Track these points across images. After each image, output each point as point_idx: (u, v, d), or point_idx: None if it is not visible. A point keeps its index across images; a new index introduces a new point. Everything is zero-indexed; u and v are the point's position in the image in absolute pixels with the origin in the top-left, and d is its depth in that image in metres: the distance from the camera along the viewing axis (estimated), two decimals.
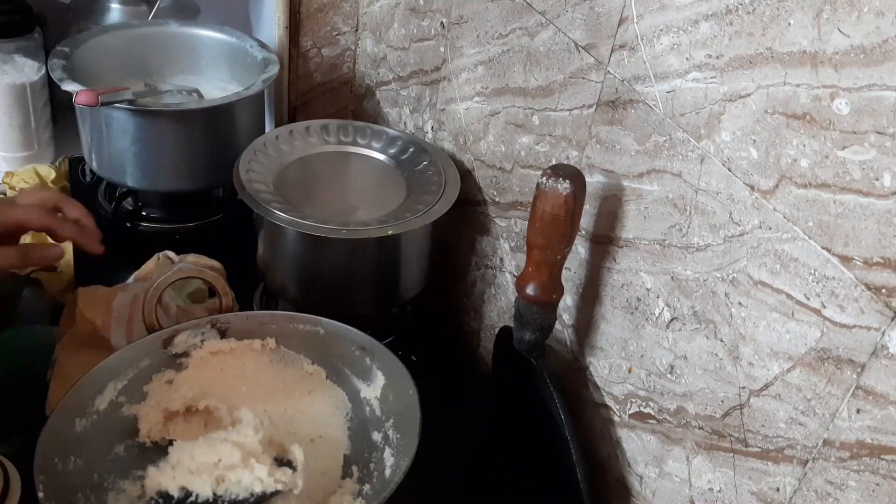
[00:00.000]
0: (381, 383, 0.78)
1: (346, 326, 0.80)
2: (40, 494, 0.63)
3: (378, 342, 0.79)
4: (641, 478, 0.70)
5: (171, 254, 0.96)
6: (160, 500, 0.68)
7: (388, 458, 0.73)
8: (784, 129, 0.52)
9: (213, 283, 0.85)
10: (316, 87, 1.31)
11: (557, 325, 0.79)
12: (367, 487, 0.72)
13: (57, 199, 0.81)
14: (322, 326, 0.81)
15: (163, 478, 0.69)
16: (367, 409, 0.78)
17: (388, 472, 0.72)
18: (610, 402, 0.74)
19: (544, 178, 0.66)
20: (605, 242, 0.72)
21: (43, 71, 1.27)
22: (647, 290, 0.67)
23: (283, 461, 0.71)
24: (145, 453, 0.73)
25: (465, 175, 0.97)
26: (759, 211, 0.54)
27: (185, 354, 0.80)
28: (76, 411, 0.71)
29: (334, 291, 0.93)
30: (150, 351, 0.78)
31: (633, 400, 0.70)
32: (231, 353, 0.81)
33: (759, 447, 0.56)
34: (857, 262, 0.47)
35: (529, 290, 0.70)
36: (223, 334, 0.81)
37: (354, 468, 0.74)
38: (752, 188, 0.55)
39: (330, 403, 0.79)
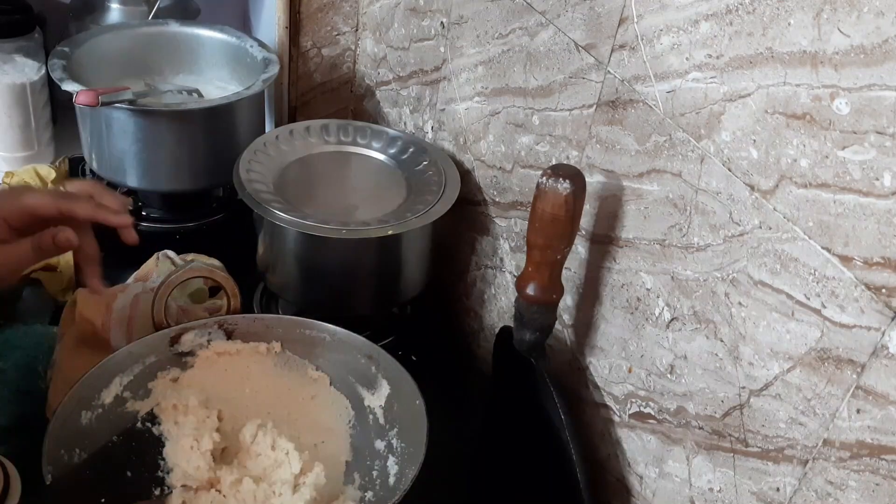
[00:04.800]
0: (385, 392, 0.78)
1: (353, 334, 0.80)
2: (48, 482, 0.63)
3: (384, 351, 0.79)
4: (641, 478, 0.70)
5: (171, 254, 0.96)
6: None
7: (392, 466, 0.73)
8: (784, 129, 0.52)
9: (223, 284, 0.85)
10: (316, 87, 1.31)
11: (557, 325, 0.79)
12: (369, 495, 0.72)
13: (91, 189, 0.77)
14: (328, 333, 0.81)
15: None
16: (371, 417, 0.78)
17: (391, 480, 0.72)
18: (610, 402, 0.74)
19: (544, 178, 0.66)
20: (605, 242, 0.72)
21: (43, 71, 1.27)
22: (647, 290, 0.67)
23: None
24: None
25: (465, 175, 0.97)
26: (759, 211, 0.54)
27: (191, 353, 0.80)
28: (83, 404, 0.72)
29: (334, 291, 0.93)
30: (157, 348, 0.78)
31: (633, 400, 0.70)
32: (237, 355, 0.81)
33: (759, 447, 0.56)
34: (857, 262, 0.47)
35: (529, 290, 0.70)
36: (230, 335, 0.81)
37: (356, 475, 0.74)
38: (752, 188, 0.55)
39: (332, 410, 0.79)
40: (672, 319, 0.64)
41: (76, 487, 0.67)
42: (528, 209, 0.69)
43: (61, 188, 0.76)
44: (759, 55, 0.53)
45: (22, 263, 0.71)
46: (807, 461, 0.52)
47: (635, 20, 0.65)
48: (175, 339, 0.79)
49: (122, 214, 0.77)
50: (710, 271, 0.60)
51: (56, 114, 1.35)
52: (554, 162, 0.79)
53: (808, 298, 0.51)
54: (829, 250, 0.49)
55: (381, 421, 0.78)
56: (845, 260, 0.48)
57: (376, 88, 1.24)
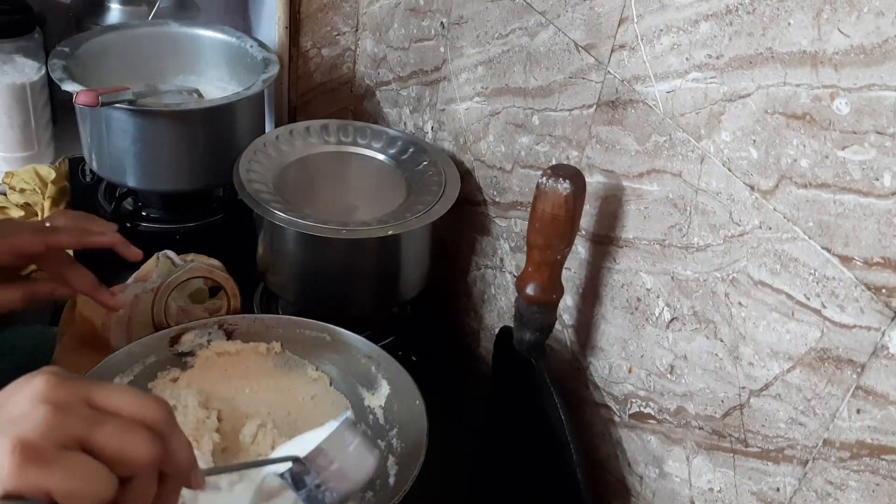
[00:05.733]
0: (385, 392, 0.78)
1: (353, 334, 0.80)
2: None
3: (384, 351, 0.79)
4: (641, 478, 0.70)
5: (171, 254, 0.96)
6: None
7: (392, 466, 0.73)
8: (784, 129, 0.52)
9: (223, 285, 0.85)
10: (316, 87, 1.31)
11: (557, 325, 0.79)
12: (369, 495, 0.72)
13: (74, 220, 0.79)
14: (328, 333, 0.81)
15: None
16: (371, 417, 0.78)
17: (391, 480, 0.72)
18: (610, 402, 0.74)
19: (544, 178, 0.66)
20: (605, 242, 0.72)
21: (43, 71, 1.27)
22: (647, 290, 0.67)
23: None
24: None
25: (465, 175, 0.97)
26: (759, 211, 0.54)
27: (191, 354, 0.80)
28: None
29: (334, 291, 0.93)
30: (157, 348, 0.79)
31: (633, 400, 0.70)
32: (237, 355, 0.81)
33: (759, 447, 0.56)
34: (857, 262, 0.47)
35: (529, 290, 0.70)
36: (230, 336, 0.82)
37: None
38: (752, 188, 0.55)
39: (332, 410, 0.79)
40: (672, 319, 0.64)
41: None
42: (528, 209, 0.69)
43: (46, 223, 0.78)
44: (759, 55, 0.53)
45: (5, 307, 0.72)
46: (807, 461, 0.52)
47: (635, 20, 0.65)
48: (175, 340, 0.79)
49: (110, 234, 0.79)
50: (710, 271, 0.60)
51: (56, 114, 1.36)
52: (554, 162, 0.79)
53: (808, 298, 0.51)
54: (829, 250, 0.49)
55: (381, 421, 0.78)
56: (845, 260, 0.48)
57: (376, 88, 1.24)
